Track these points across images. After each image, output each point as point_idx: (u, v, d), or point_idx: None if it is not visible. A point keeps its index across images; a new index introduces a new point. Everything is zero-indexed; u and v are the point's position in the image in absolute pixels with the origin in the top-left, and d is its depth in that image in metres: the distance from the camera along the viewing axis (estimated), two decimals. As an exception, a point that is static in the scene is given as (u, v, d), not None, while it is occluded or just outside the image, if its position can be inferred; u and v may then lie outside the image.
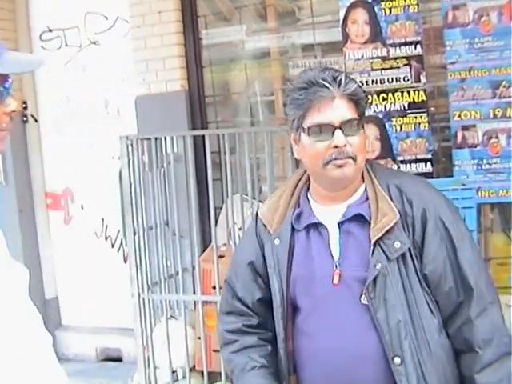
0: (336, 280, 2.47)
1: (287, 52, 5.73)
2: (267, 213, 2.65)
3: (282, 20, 5.76)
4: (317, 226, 2.54)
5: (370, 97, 4.85)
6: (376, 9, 4.97)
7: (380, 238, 2.43)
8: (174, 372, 4.83)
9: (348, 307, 2.47)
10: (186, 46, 5.74)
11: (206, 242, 5.24)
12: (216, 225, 4.78)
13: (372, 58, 4.97)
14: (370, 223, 2.48)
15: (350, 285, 2.46)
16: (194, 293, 4.81)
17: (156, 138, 4.77)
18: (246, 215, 4.62)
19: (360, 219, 2.50)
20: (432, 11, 5.10)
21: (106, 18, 6.20)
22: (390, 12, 4.95)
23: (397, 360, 2.38)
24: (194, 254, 4.72)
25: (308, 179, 2.63)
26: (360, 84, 2.52)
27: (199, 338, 4.69)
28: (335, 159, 2.43)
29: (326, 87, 2.43)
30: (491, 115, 4.77)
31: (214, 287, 4.58)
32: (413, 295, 2.44)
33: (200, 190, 5.11)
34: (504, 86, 4.74)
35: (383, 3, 4.95)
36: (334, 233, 2.52)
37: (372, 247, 2.43)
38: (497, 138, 4.76)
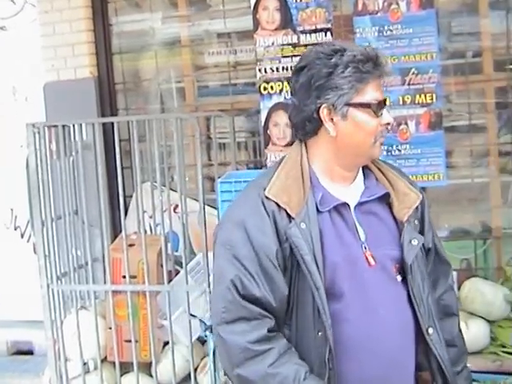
0: (372, 261, 2.43)
1: (198, 39, 5.70)
2: (281, 194, 2.40)
3: (193, 7, 5.72)
4: (337, 207, 2.45)
5: (280, 83, 4.86)
6: (287, -5, 4.97)
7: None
8: (85, 364, 4.75)
9: (386, 287, 2.46)
10: (95, 32, 5.67)
11: (116, 230, 5.18)
12: (126, 213, 4.72)
13: (282, 44, 4.97)
14: (388, 203, 2.53)
15: (385, 264, 2.46)
16: (105, 282, 4.74)
17: (64, 126, 4.67)
18: (156, 203, 4.57)
19: (380, 199, 2.52)
20: (342, -1, 5.13)
21: (14, 2, 6.07)
22: (301, -1, 4.96)
23: (430, 330, 2.49)
24: (105, 243, 4.65)
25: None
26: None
27: (110, 329, 4.63)
28: (381, 137, 2.45)
29: (386, 64, 2.41)
30: (400, 102, 4.82)
31: (124, 276, 4.52)
32: (423, 266, 2.55)
33: (110, 179, 5.05)
34: (413, 73, 4.79)
35: (293, -11, 4.96)
36: (353, 213, 2.48)
37: (405, 225, 2.49)
38: (406, 124, 4.81)
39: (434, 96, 4.76)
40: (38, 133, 4.64)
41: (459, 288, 4.71)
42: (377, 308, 2.40)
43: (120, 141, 4.51)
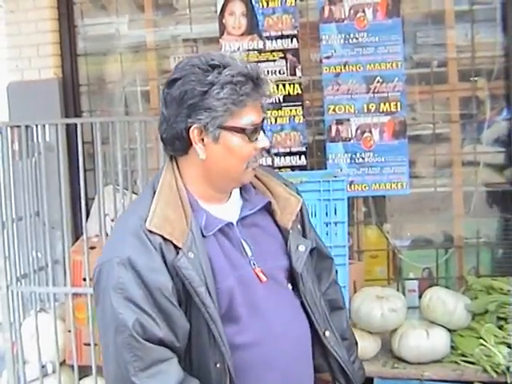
0: (263, 278, 2.33)
1: (163, 43, 5.68)
2: (164, 225, 2.22)
3: (160, 11, 5.69)
4: (221, 227, 2.32)
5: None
6: (253, 1, 4.99)
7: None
8: (43, 367, 4.70)
9: (280, 301, 2.38)
10: (60, 33, 5.62)
11: (78, 233, 5.13)
12: (88, 216, 4.69)
13: (248, 50, 4.99)
14: (270, 211, 2.45)
15: (276, 276, 2.39)
16: (65, 285, 4.70)
17: (27, 126, 4.62)
18: (118, 206, 4.54)
19: (261, 209, 2.43)
20: (309, 5, 5.14)
21: (-22, 2, 6.01)
22: (267, 5, 4.98)
23: (327, 333, 2.47)
24: (65, 246, 4.61)
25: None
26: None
27: (69, 332, 4.58)
28: (254, 162, 2.33)
29: (266, 84, 2.27)
30: (365, 110, 4.86)
31: (85, 279, 4.48)
32: (311, 269, 2.51)
33: (72, 181, 5.00)
34: (378, 82, 4.82)
35: (261, -5, 4.98)
36: (237, 230, 2.37)
37: (289, 232, 2.43)
38: (370, 132, 4.84)
39: (399, 104, 4.80)
40: (1, 133, 4.59)
41: (420, 297, 4.73)
42: (272, 325, 2.31)
43: (83, 143, 4.47)
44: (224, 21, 5.03)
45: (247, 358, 2.28)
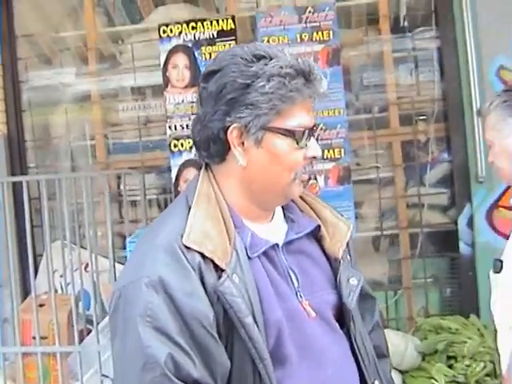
0: (312, 313, 1.99)
1: (109, 95, 5.68)
2: (204, 240, 1.86)
3: (104, 63, 5.71)
4: (265, 250, 1.97)
5: (190, 141, 4.86)
6: (196, 53, 5.00)
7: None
8: (-6, 428, 4.65)
9: (330, 341, 2.03)
10: (5, 89, 5.60)
11: (27, 290, 5.09)
12: (37, 273, 4.67)
13: (192, 102, 4.98)
14: (317, 237, 2.12)
15: (324, 313, 2.03)
16: (15, 344, 4.65)
17: (-28, 185, 4.61)
18: (66, 262, 4.53)
19: (308, 234, 2.10)
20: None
21: None
22: (210, 57, 5.00)
23: (377, 383, 2.13)
24: (14, 304, 4.57)
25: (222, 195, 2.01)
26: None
27: (20, 391, 4.54)
28: (304, 173, 2.01)
29: (320, 82, 1.93)
30: (310, 157, 4.88)
31: (34, 337, 4.45)
32: (357, 309, 2.16)
33: (20, 238, 4.98)
34: (321, 129, 4.86)
35: (203, 48, 4.99)
36: (283, 255, 2.03)
37: (340, 262, 2.09)
38: (315, 179, 4.87)
39: (343, 151, 4.84)
40: None
41: (371, 339, 4.77)
42: (325, 369, 1.98)
43: (30, 199, 4.47)
44: (167, 73, 5.04)
45: None
